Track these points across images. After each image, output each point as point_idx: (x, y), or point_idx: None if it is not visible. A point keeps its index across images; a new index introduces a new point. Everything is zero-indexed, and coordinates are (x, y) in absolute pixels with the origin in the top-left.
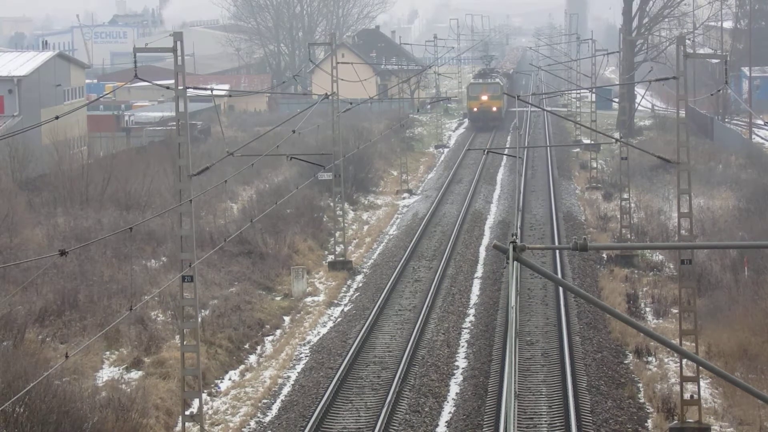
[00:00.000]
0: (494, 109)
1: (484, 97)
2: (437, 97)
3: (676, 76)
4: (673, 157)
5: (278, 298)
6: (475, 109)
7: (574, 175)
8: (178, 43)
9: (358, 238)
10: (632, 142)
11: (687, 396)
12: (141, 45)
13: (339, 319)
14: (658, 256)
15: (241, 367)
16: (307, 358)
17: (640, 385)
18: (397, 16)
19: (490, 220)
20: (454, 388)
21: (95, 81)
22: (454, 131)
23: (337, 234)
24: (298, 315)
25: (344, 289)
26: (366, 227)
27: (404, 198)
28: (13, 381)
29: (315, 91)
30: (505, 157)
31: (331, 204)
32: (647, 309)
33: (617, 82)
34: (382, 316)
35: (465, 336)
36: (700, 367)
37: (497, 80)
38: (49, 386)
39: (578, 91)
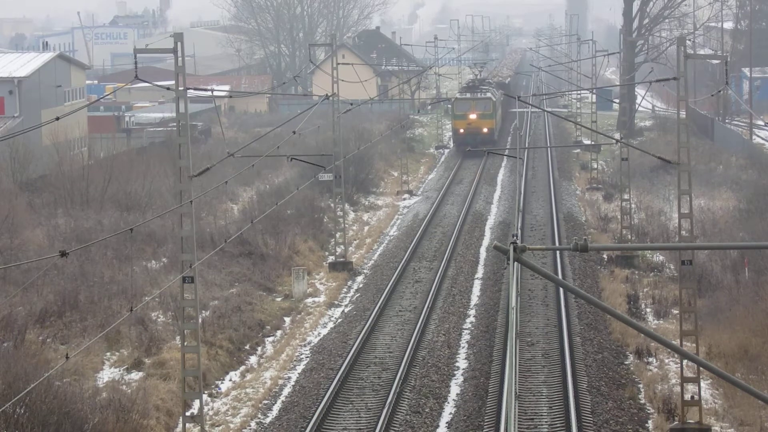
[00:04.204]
0: (485, 130)
1: (473, 116)
2: (438, 98)
3: (677, 76)
4: (673, 158)
5: (279, 299)
6: (462, 131)
7: (574, 175)
8: (179, 44)
9: (358, 239)
10: (633, 143)
11: (688, 397)
12: (141, 46)
13: (339, 320)
14: (658, 257)
15: (242, 368)
16: (308, 358)
17: (641, 385)
18: (398, 16)
19: (490, 221)
20: (454, 389)
21: (96, 82)
22: None
23: (338, 235)
24: (299, 316)
25: (345, 289)
26: (366, 228)
27: (405, 199)
28: (14, 382)
29: (315, 92)
30: (505, 158)
31: (332, 205)
32: (648, 310)
33: (618, 83)
34: (382, 317)
35: (465, 337)
36: (701, 368)
37: (488, 94)
38: (49, 387)
39: (579, 92)
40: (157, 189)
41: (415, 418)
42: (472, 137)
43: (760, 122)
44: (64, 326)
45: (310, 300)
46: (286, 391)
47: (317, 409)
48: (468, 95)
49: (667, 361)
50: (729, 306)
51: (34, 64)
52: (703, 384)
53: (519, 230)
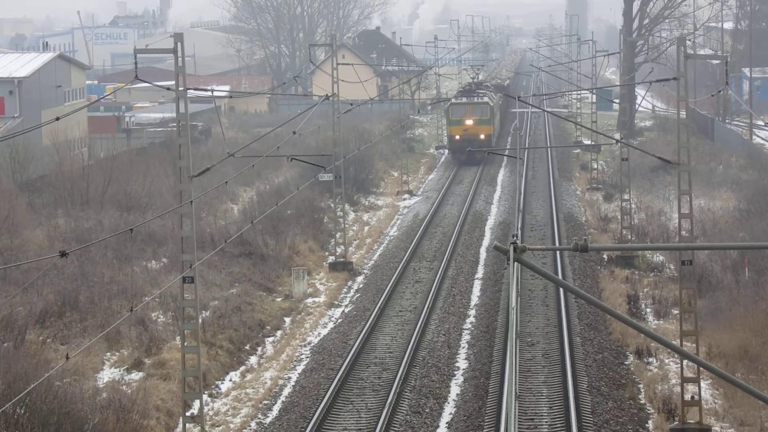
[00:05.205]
0: (482, 136)
1: (469, 122)
2: (438, 98)
3: (677, 77)
4: (673, 158)
5: (279, 299)
6: (457, 137)
7: (574, 176)
8: (179, 44)
9: (358, 239)
10: (633, 143)
11: (688, 397)
12: (141, 46)
13: (339, 320)
14: (658, 257)
15: (242, 368)
16: (308, 359)
17: (641, 386)
18: (398, 17)
19: (490, 221)
20: (454, 389)
21: (96, 82)
22: None
23: (338, 235)
24: (299, 316)
25: (345, 290)
26: (366, 228)
27: (405, 199)
28: (14, 382)
29: (315, 92)
30: (505, 158)
31: (332, 205)
32: (648, 310)
33: (618, 83)
34: (382, 317)
35: (466, 337)
36: (701, 368)
37: (485, 99)
38: (49, 387)
39: (579, 92)
40: (157, 189)
41: (415, 419)
42: (468, 144)
43: (760, 122)
44: (64, 326)
45: (310, 300)
46: (286, 391)
47: (317, 409)
48: (464, 100)
49: (667, 361)
50: (729, 306)
51: (34, 64)
52: (703, 384)
53: (519, 230)
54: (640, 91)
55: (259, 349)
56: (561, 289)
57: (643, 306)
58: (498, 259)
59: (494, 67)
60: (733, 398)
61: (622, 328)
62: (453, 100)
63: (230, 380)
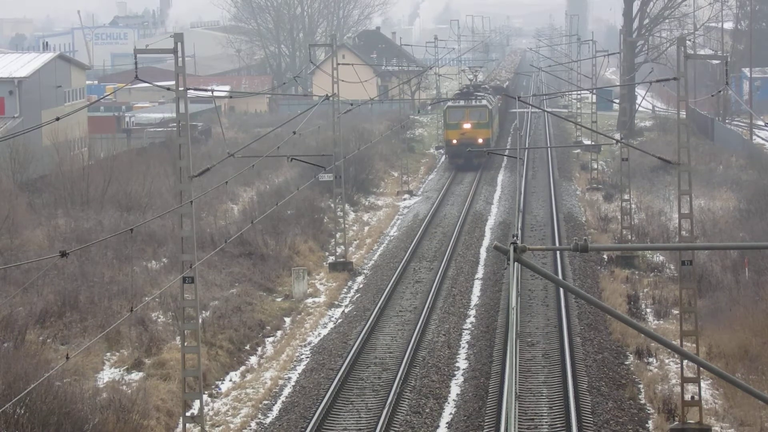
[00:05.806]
0: (480, 140)
1: (467, 125)
2: (438, 98)
3: (677, 77)
4: (673, 158)
5: (279, 300)
6: (455, 141)
7: (574, 176)
8: (179, 44)
9: (358, 239)
10: (633, 143)
11: (688, 397)
12: (142, 46)
13: (340, 320)
14: (658, 257)
15: (242, 368)
16: (308, 359)
17: (641, 386)
18: (398, 17)
19: (490, 222)
20: (454, 389)
21: (96, 82)
22: None
23: (338, 235)
24: (299, 316)
25: (345, 290)
26: (366, 228)
27: (405, 199)
28: (14, 382)
29: (315, 93)
30: (505, 158)
31: (332, 205)
32: (648, 310)
33: (618, 83)
34: (382, 317)
35: (466, 337)
36: (701, 368)
37: (484, 102)
38: (49, 387)
39: (579, 92)
40: (157, 189)
41: (416, 419)
42: (466, 149)
43: (760, 122)
44: (64, 326)
45: (310, 300)
46: (287, 391)
47: (317, 409)
48: (461, 102)
49: (667, 361)
50: (729, 306)
51: (34, 64)
52: (703, 384)
53: (519, 230)
54: (640, 91)
55: (259, 349)
56: (561, 289)
57: (643, 306)
58: (498, 259)
59: (494, 67)
60: (733, 398)
61: (622, 328)
62: (450, 103)
63: (230, 380)
